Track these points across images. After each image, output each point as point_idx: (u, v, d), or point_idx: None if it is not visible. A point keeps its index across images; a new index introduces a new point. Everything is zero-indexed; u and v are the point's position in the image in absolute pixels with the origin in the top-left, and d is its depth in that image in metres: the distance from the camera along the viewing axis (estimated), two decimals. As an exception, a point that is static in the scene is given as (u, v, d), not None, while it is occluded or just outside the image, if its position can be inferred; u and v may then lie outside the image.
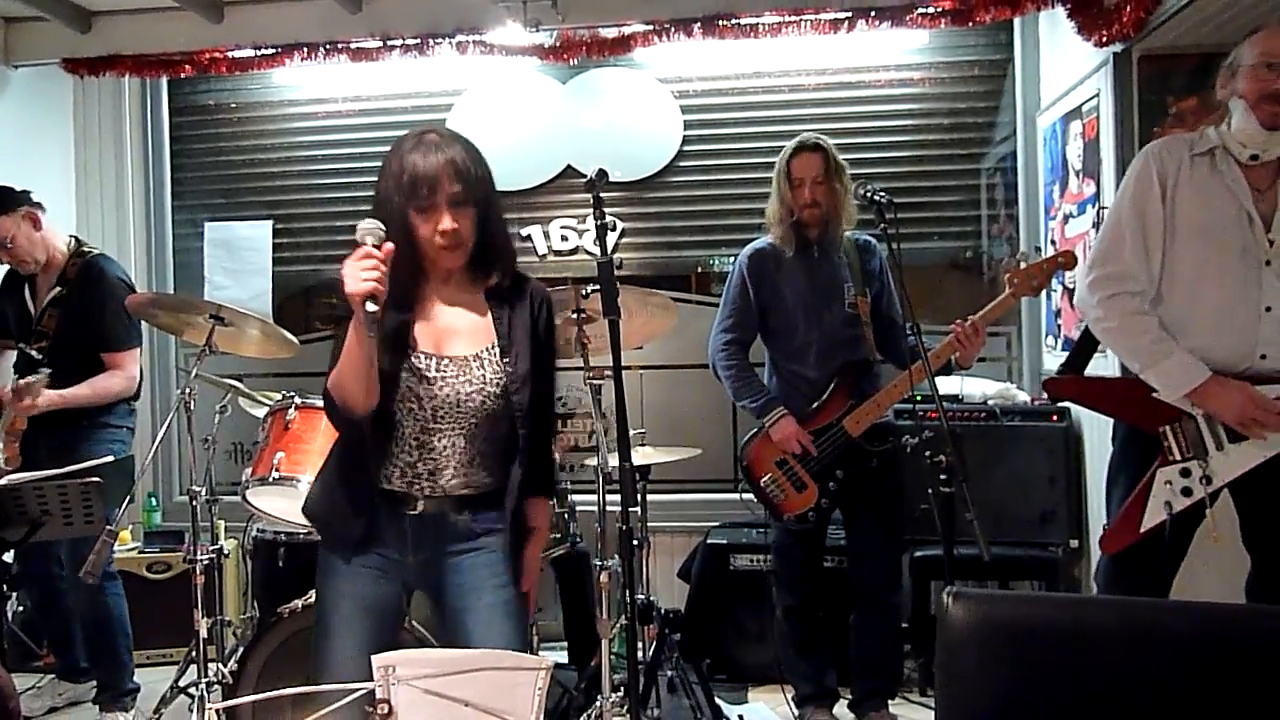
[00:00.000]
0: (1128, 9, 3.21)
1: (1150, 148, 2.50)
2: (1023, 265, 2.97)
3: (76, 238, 3.68)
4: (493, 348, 2.01)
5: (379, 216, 1.87)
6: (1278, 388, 2.35)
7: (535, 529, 2.13)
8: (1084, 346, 2.75)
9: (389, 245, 1.80)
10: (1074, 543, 3.68)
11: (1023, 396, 3.98)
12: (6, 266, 3.64)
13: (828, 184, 3.20)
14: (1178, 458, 2.44)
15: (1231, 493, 2.50)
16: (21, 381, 3.29)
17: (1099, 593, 2.69)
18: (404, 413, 1.97)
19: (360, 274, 1.75)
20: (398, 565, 2.04)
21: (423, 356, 1.97)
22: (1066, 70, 3.85)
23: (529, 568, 2.11)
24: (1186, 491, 2.42)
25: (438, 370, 1.97)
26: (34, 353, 3.49)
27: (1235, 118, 2.40)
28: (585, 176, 2.06)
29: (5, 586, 2.78)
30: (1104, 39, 3.40)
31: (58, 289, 3.53)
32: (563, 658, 3.72)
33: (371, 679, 1.39)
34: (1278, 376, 2.37)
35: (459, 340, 2.01)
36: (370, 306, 1.74)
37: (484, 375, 1.99)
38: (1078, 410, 3.72)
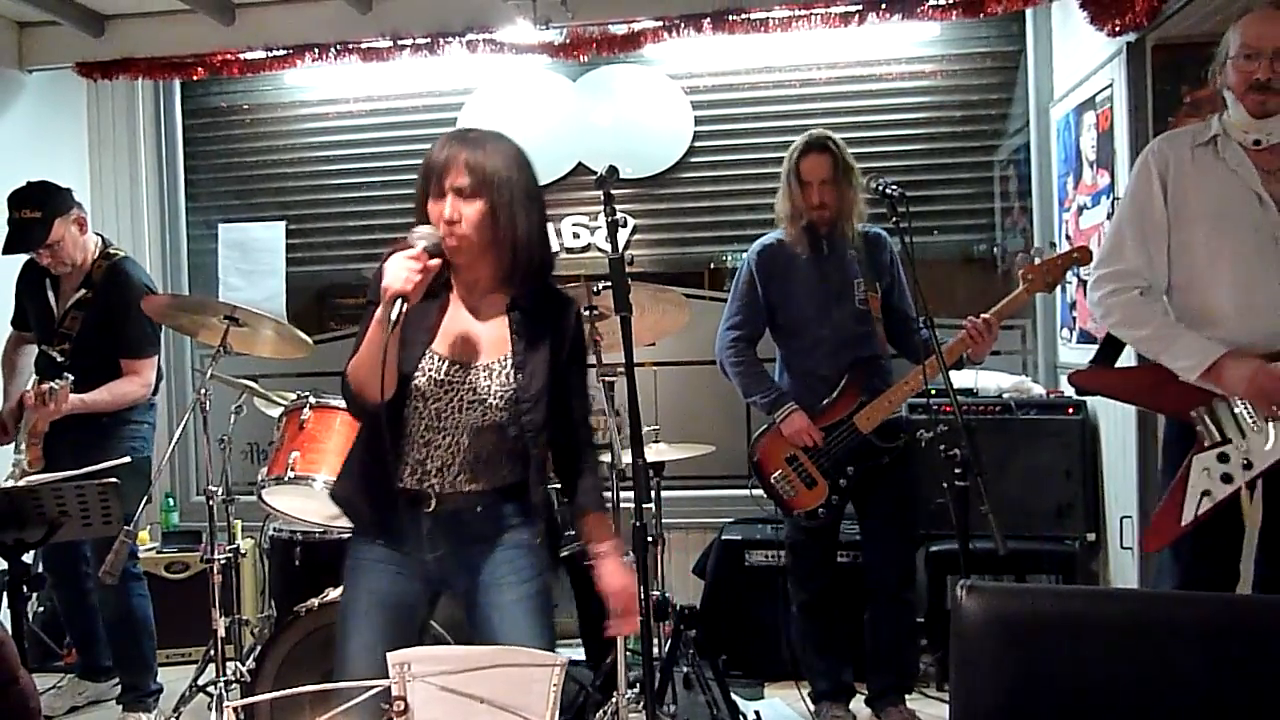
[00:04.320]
0: (1140, -3, 3.19)
1: (1150, 145, 2.49)
2: (1037, 261, 2.98)
3: (103, 237, 3.61)
4: (504, 360, 1.99)
5: (418, 214, 1.94)
6: None
7: (601, 554, 2.00)
8: (1112, 340, 2.68)
9: (436, 261, 1.85)
10: (1090, 536, 3.66)
11: (1038, 390, 3.95)
12: (23, 260, 3.58)
13: (836, 186, 3.18)
14: (1214, 441, 2.36)
15: (1265, 488, 2.40)
16: (44, 387, 3.23)
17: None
18: (411, 410, 1.97)
19: (403, 273, 1.80)
20: (419, 564, 2.03)
21: (435, 357, 1.97)
22: (1079, 61, 3.83)
23: (623, 603, 1.99)
24: (1226, 478, 2.33)
25: (446, 374, 1.96)
26: (56, 354, 3.46)
27: (1230, 109, 2.40)
28: (596, 174, 2.06)
29: (25, 587, 2.80)
30: (1117, 28, 3.38)
31: (83, 291, 3.47)
32: (579, 654, 3.72)
33: (385, 672, 1.40)
34: None
35: (473, 348, 1.99)
36: (398, 305, 1.78)
37: (489, 387, 1.97)
38: (1094, 403, 3.70)
